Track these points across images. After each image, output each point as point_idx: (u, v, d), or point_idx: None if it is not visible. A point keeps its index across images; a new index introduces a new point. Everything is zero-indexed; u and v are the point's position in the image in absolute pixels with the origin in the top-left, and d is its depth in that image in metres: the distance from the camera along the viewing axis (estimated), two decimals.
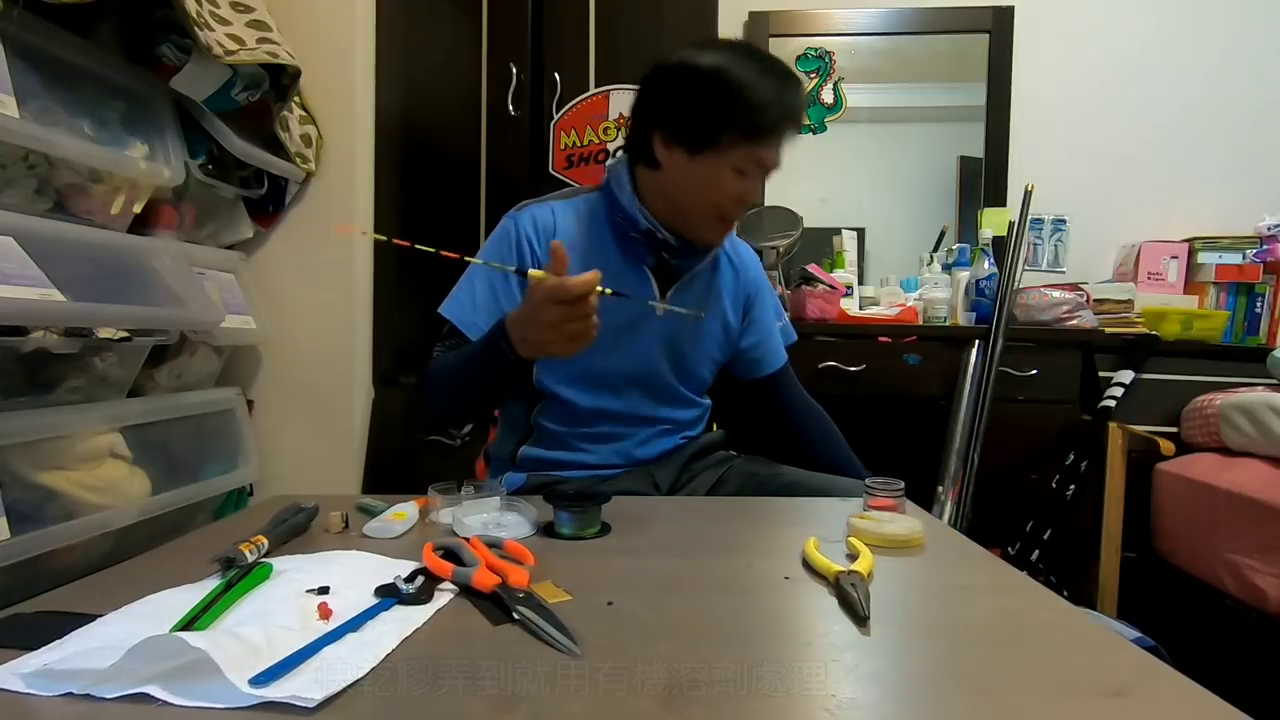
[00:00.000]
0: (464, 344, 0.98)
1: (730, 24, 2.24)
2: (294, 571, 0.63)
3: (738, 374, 1.19)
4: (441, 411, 1.06)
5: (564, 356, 0.80)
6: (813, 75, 2.28)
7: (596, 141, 1.69)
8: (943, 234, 2.18)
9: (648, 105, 1.00)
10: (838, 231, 2.13)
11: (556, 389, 1.04)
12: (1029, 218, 1.88)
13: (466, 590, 0.59)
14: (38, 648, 0.48)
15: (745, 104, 0.91)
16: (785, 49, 2.28)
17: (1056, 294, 1.81)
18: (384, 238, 0.83)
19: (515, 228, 1.02)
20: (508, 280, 1.00)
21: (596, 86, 1.71)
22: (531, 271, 0.77)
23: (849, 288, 1.96)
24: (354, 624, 0.52)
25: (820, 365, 1.76)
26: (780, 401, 1.19)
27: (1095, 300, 1.91)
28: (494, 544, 0.68)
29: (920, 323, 1.87)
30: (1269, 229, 2.00)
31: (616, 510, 0.80)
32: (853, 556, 0.68)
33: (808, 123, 2.28)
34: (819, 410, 1.20)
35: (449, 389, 0.98)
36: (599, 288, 0.75)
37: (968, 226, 2.20)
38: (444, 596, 0.59)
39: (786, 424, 1.19)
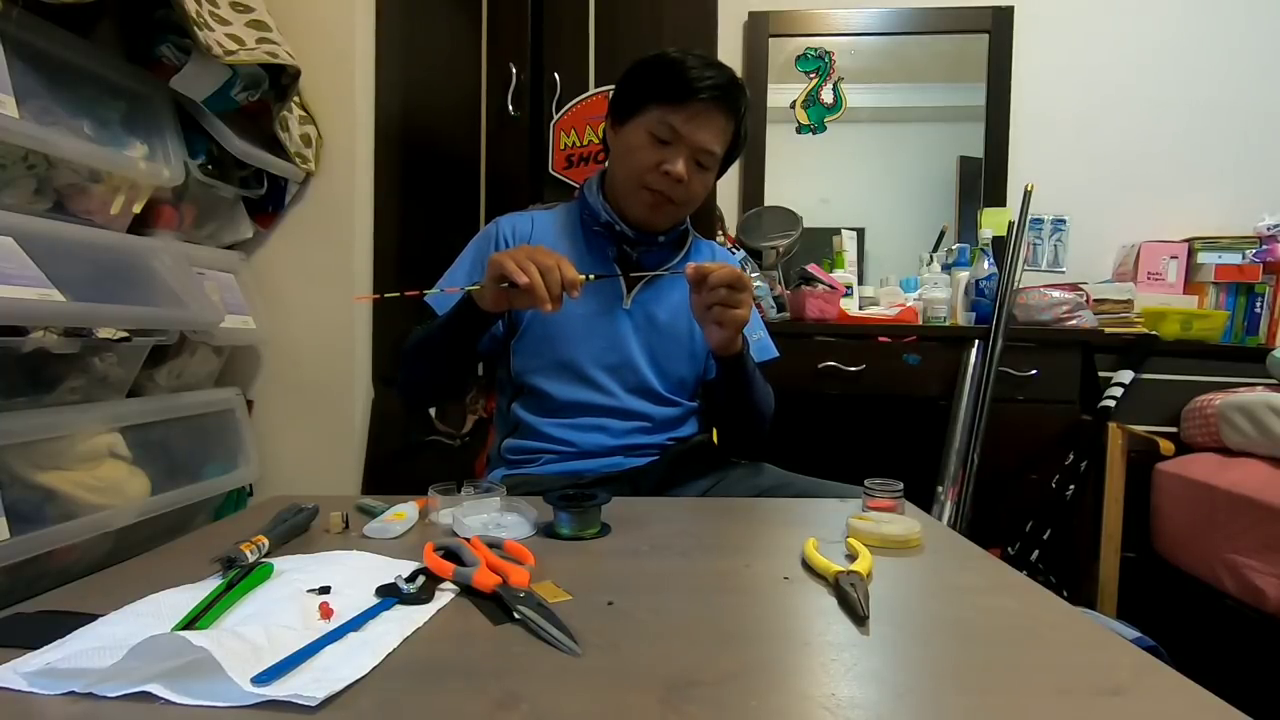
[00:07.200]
0: None
1: (730, 24, 2.24)
2: (295, 571, 0.63)
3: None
4: (410, 382, 1.11)
5: (524, 290, 0.84)
6: (813, 75, 2.29)
7: (596, 141, 1.69)
8: (942, 234, 2.18)
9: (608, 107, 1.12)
10: (838, 231, 2.13)
11: (533, 380, 1.08)
12: (1029, 218, 1.88)
13: (467, 590, 0.60)
14: (39, 647, 0.49)
15: (660, 72, 1.03)
16: (785, 49, 2.28)
17: (1056, 294, 1.81)
18: (397, 294, 0.92)
19: (496, 230, 1.14)
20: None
21: (596, 86, 1.71)
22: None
23: (849, 288, 1.97)
24: (355, 623, 0.52)
25: (820, 365, 1.76)
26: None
27: (1095, 300, 1.91)
28: (494, 544, 0.68)
29: (920, 323, 1.87)
30: (1268, 229, 2.00)
31: (616, 510, 0.81)
32: (852, 557, 0.68)
33: (807, 122, 2.29)
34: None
35: (418, 357, 1.05)
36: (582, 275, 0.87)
37: (967, 226, 2.20)
38: (445, 596, 0.59)
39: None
